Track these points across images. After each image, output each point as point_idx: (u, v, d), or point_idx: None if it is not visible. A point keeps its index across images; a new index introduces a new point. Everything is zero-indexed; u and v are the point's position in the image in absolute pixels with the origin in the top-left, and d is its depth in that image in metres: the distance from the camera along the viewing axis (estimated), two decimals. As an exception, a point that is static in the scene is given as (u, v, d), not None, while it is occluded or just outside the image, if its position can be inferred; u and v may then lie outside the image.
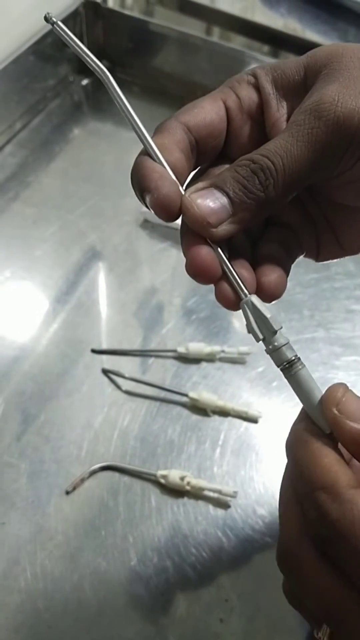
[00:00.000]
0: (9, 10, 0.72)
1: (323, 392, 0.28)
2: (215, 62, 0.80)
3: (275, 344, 0.28)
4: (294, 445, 0.28)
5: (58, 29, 0.28)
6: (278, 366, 0.29)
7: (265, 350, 0.29)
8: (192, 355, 0.58)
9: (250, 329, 0.29)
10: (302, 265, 0.68)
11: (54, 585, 0.46)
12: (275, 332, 0.28)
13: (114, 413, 0.55)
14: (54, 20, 0.28)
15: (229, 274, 0.28)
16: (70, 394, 0.56)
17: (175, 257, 0.67)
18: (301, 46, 0.80)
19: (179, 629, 0.45)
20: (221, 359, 0.59)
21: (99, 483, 0.51)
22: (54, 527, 0.48)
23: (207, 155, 0.31)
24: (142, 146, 0.29)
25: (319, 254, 0.34)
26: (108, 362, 0.58)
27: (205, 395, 0.55)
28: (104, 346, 0.59)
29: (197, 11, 0.85)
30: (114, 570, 0.47)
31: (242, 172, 0.27)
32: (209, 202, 0.27)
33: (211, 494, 0.50)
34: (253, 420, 0.55)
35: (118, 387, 0.56)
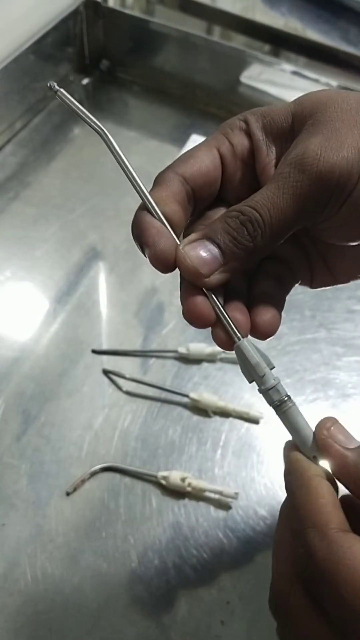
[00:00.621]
0: (10, 10, 0.72)
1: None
2: (216, 62, 0.79)
3: (262, 387, 0.30)
4: (293, 481, 0.29)
5: (61, 95, 0.31)
6: (270, 405, 0.31)
7: (258, 389, 0.31)
8: (193, 356, 0.58)
9: (242, 370, 0.31)
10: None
11: (54, 587, 0.46)
12: (263, 375, 0.30)
13: (115, 414, 0.55)
14: (57, 88, 0.30)
15: (223, 320, 0.30)
16: (71, 395, 0.56)
17: (176, 257, 0.66)
18: (302, 45, 0.80)
19: (180, 631, 0.45)
20: (222, 360, 0.59)
21: (99, 484, 0.51)
22: (54, 529, 0.48)
23: (203, 202, 0.32)
24: (141, 190, 0.30)
25: (313, 282, 0.36)
26: (109, 362, 0.58)
27: (206, 396, 0.55)
28: (105, 347, 0.59)
29: (198, 10, 0.85)
30: (114, 571, 0.47)
31: (232, 223, 0.29)
32: (201, 253, 0.29)
33: (212, 495, 0.50)
34: (254, 421, 0.55)
35: (119, 387, 0.56)
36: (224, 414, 0.55)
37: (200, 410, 0.55)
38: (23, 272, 0.65)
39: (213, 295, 0.30)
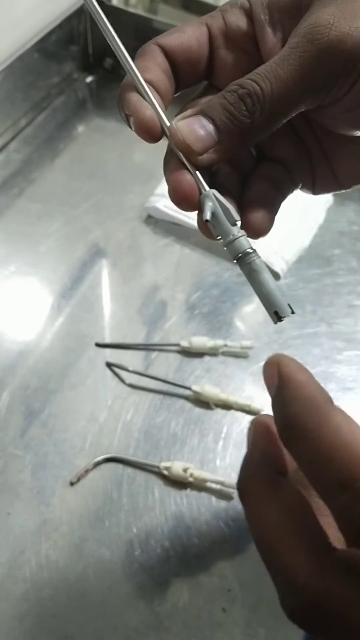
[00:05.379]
0: (14, 8, 0.73)
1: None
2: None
3: (231, 236, 0.28)
4: (303, 416, 0.25)
5: None
6: (234, 259, 0.29)
7: (222, 244, 0.29)
8: (195, 349, 0.59)
9: (209, 223, 0.29)
10: (304, 261, 0.68)
11: (58, 574, 0.47)
12: (234, 223, 0.28)
13: (118, 406, 0.56)
14: None
15: (192, 173, 0.28)
16: (75, 387, 0.56)
17: (178, 253, 0.67)
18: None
19: (182, 619, 0.45)
20: (224, 353, 0.59)
21: (103, 474, 0.52)
22: (58, 518, 0.49)
23: (186, 81, 0.30)
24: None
25: (315, 187, 0.33)
26: (112, 355, 0.59)
27: (208, 389, 0.55)
28: (108, 340, 0.60)
29: (201, 8, 0.85)
30: (117, 560, 0.48)
31: (230, 98, 0.27)
32: (196, 129, 0.27)
33: (214, 486, 0.51)
34: (255, 413, 0.56)
35: (122, 380, 0.57)
36: (226, 406, 0.56)
37: (202, 402, 0.56)
38: (27, 267, 0.65)
39: (197, 174, 0.28)
